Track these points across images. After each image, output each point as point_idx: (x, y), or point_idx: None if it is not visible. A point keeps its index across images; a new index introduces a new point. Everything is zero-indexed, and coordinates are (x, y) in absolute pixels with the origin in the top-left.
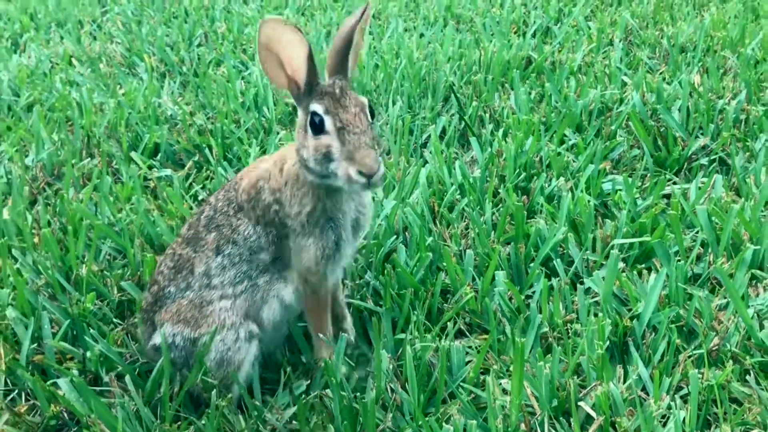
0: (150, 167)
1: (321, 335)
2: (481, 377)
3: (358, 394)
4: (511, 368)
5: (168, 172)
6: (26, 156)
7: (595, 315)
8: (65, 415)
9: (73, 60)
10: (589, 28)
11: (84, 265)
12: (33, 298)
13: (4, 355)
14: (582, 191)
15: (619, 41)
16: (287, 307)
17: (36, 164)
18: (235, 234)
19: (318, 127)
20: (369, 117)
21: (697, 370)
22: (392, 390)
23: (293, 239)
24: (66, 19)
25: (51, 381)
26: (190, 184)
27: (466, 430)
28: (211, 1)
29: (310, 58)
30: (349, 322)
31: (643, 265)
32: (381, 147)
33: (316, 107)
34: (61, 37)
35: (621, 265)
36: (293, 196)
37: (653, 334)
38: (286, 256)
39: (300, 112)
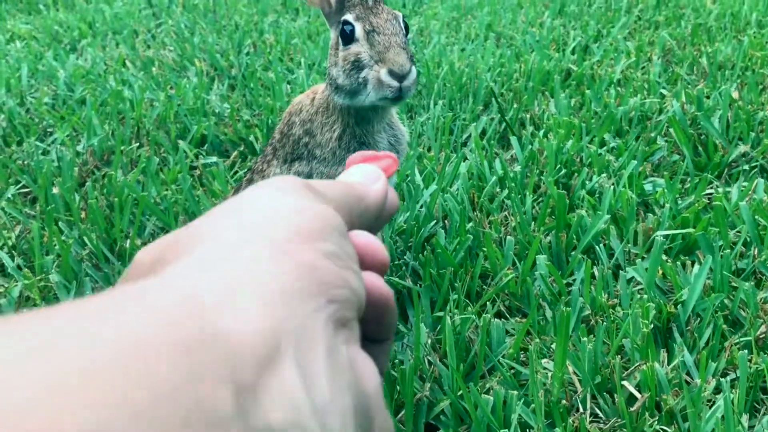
0: (196, 156)
1: None
2: (521, 355)
3: (397, 361)
4: (552, 346)
5: (214, 159)
6: (78, 144)
7: (639, 300)
8: None
9: (127, 62)
10: (628, 47)
11: (128, 239)
12: (77, 266)
13: None
14: (624, 186)
15: (658, 58)
16: None
17: (87, 150)
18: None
19: (348, 37)
20: (403, 27)
21: (746, 352)
22: (430, 363)
23: (326, 172)
24: (122, 29)
25: None
26: (235, 172)
27: (507, 401)
28: (260, 15)
29: None
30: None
31: (687, 258)
32: (413, 57)
33: (347, 16)
34: (117, 44)
35: (664, 257)
36: (323, 124)
37: (698, 321)
38: None
39: (332, 32)
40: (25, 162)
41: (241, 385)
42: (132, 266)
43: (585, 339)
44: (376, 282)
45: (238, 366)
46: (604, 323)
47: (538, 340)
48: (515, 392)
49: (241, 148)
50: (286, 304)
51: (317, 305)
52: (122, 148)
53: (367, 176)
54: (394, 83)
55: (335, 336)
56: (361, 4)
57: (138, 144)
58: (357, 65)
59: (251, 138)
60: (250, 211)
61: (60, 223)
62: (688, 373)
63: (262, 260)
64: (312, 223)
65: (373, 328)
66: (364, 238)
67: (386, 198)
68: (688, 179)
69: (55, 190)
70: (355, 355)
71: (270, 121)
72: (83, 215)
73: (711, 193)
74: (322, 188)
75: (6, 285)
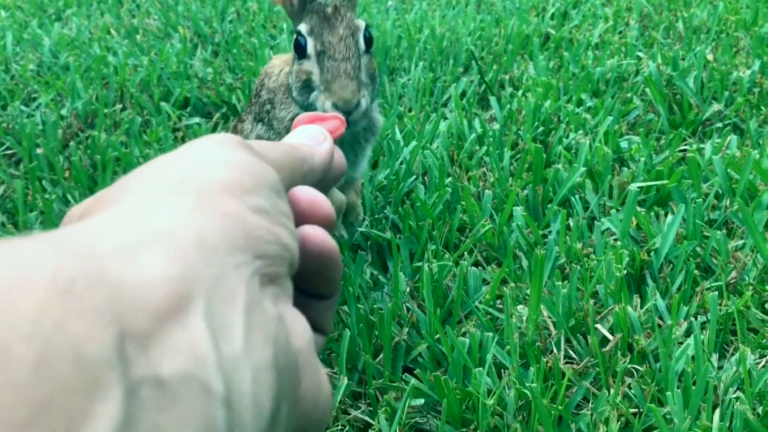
0: (179, 117)
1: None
2: (497, 303)
3: (375, 307)
4: (527, 292)
5: (197, 120)
6: (62, 108)
7: (612, 247)
8: None
9: (111, 31)
10: (606, 13)
11: None
12: (59, 223)
13: None
14: (600, 142)
15: (635, 23)
16: None
17: (70, 113)
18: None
19: (301, 50)
20: (361, 44)
21: (716, 294)
22: (408, 309)
23: None
24: None
25: None
26: (217, 132)
27: (483, 344)
28: None
29: None
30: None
31: (660, 209)
32: (370, 80)
33: (301, 26)
34: (102, 13)
35: (638, 208)
36: (282, 101)
37: (670, 267)
38: None
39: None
40: (10, 125)
41: (128, 330)
42: (63, 222)
43: (559, 283)
44: (320, 235)
45: (126, 311)
46: (579, 270)
47: (513, 285)
48: (490, 334)
49: (224, 110)
50: (206, 255)
51: (242, 259)
52: (105, 110)
53: (312, 137)
54: (339, 115)
55: (261, 292)
56: (319, 14)
57: (122, 107)
58: (307, 85)
59: (233, 100)
60: (181, 163)
61: (44, 182)
62: (660, 318)
63: (184, 210)
64: (244, 176)
65: (318, 282)
66: (307, 193)
67: (332, 159)
68: (663, 137)
69: (39, 151)
70: (285, 312)
71: (251, 83)
72: (67, 174)
73: (685, 150)
74: (262, 149)
75: None
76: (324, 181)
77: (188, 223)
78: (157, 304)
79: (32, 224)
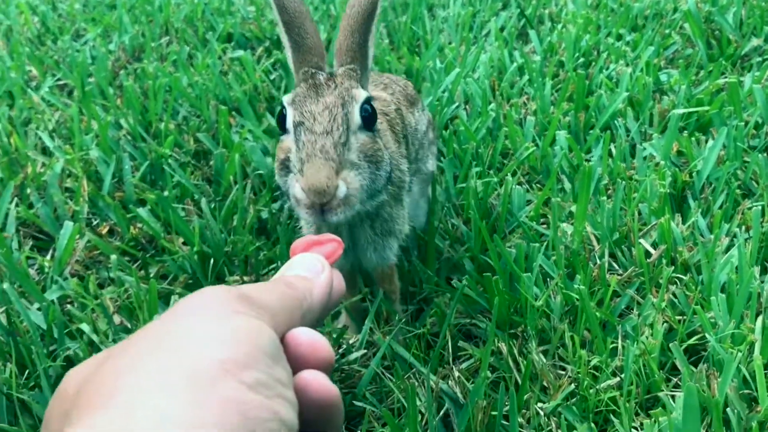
0: (224, 50)
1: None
2: (541, 220)
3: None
4: (572, 209)
5: (241, 53)
6: (109, 43)
7: (655, 169)
8: (143, 240)
9: None
10: None
11: (162, 122)
12: (114, 145)
13: (87, 188)
14: (641, 71)
15: None
16: None
17: (118, 47)
18: None
19: (282, 124)
20: (355, 117)
21: (759, 209)
22: (453, 225)
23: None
24: None
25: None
26: (262, 64)
27: (528, 256)
28: None
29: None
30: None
31: (701, 134)
32: (366, 163)
33: (286, 97)
34: None
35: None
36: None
37: (711, 188)
38: None
39: None
40: (60, 57)
41: None
42: (58, 390)
43: (604, 199)
44: (322, 382)
45: None
46: (624, 187)
47: (559, 199)
48: (536, 245)
49: (266, 44)
50: None
51: None
52: (152, 44)
53: (309, 269)
54: (308, 202)
55: None
56: (308, 80)
57: (167, 40)
58: (285, 166)
59: (276, 34)
60: (171, 343)
61: (96, 108)
62: (701, 236)
63: (178, 405)
64: (239, 350)
65: (320, 427)
66: (307, 336)
67: (330, 289)
68: (701, 71)
69: (91, 80)
70: None
71: None
72: (119, 102)
73: (724, 82)
74: (259, 296)
75: (47, 162)
76: (323, 310)
77: (182, 423)
78: None
79: (89, 146)
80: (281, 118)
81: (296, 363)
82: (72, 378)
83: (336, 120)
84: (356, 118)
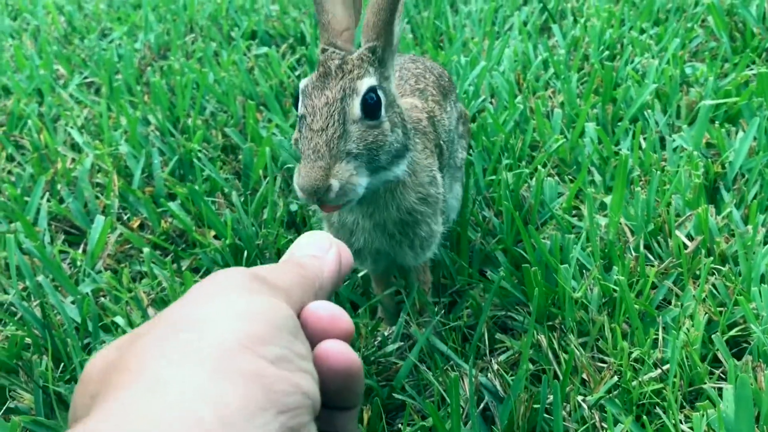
0: (248, 47)
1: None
2: (572, 212)
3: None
4: (605, 200)
5: (265, 49)
6: (135, 42)
7: (687, 160)
8: (173, 234)
9: None
10: None
11: (190, 118)
12: (143, 141)
13: (117, 182)
14: (668, 63)
15: None
16: None
17: (144, 45)
18: None
19: (297, 107)
20: (354, 110)
21: None
22: (485, 218)
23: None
24: None
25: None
26: (287, 60)
27: (563, 247)
28: None
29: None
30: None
31: (730, 126)
32: (366, 152)
33: (302, 82)
34: None
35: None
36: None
37: (744, 180)
38: None
39: None
40: (87, 55)
41: None
42: (83, 374)
43: (638, 189)
44: (343, 350)
45: None
46: (657, 176)
47: (591, 190)
48: (572, 236)
49: (290, 41)
50: (228, 428)
51: (265, 419)
52: (178, 42)
53: (319, 247)
54: (301, 195)
55: None
56: (323, 65)
57: (193, 38)
58: (297, 156)
59: (300, 31)
60: (192, 325)
61: (125, 104)
62: (736, 226)
63: (202, 379)
64: (259, 326)
65: (342, 396)
66: (327, 310)
67: (339, 265)
68: (726, 63)
69: (118, 77)
70: None
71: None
72: (146, 98)
73: (752, 73)
74: (273, 276)
75: (77, 158)
76: (334, 287)
77: (207, 397)
78: None
79: (118, 141)
80: (296, 102)
81: (316, 337)
82: (97, 362)
83: (332, 117)
84: (356, 110)
